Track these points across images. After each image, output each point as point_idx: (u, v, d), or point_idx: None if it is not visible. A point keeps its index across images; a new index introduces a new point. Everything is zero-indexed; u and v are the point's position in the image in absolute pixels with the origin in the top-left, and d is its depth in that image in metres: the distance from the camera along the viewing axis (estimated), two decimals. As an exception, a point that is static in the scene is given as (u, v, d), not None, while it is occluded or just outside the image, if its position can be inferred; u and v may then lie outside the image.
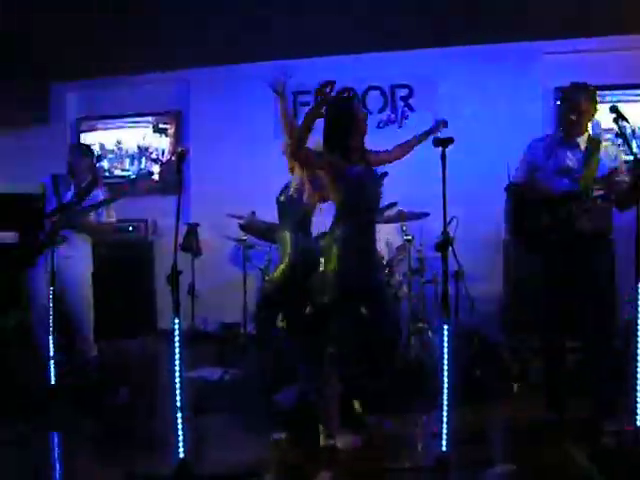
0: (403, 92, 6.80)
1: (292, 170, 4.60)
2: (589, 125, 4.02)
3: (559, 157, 3.98)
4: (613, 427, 3.65)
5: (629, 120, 3.50)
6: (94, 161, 5.35)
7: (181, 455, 3.09)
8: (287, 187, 4.64)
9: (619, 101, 5.71)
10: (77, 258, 4.97)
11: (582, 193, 3.82)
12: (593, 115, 4.00)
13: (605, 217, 3.92)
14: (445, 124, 4.10)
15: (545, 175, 4.00)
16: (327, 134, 3.79)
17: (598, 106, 3.99)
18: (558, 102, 4.09)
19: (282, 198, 4.65)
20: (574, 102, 3.94)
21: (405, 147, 4.05)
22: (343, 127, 3.76)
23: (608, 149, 3.98)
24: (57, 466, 3.68)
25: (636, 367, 3.25)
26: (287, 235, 4.49)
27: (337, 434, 3.64)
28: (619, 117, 3.48)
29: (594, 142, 3.97)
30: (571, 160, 3.96)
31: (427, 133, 4.05)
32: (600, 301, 3.91)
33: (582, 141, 3.98)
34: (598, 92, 4.01)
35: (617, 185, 3.79)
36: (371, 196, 3.83)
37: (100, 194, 5.08)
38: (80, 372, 4.97)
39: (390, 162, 4.00)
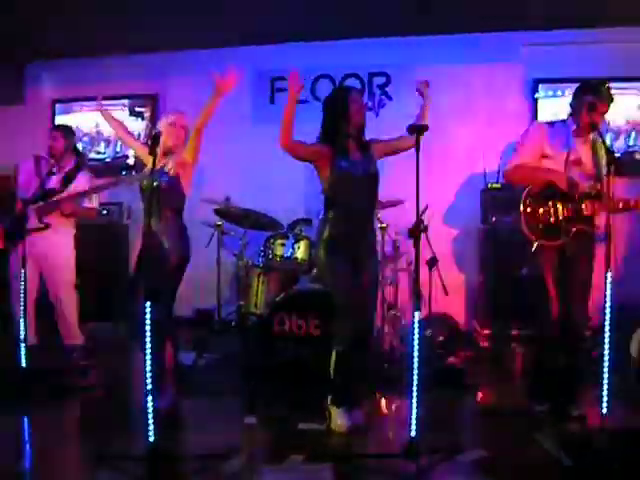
0: (380, 80, 6.80)
1: None
2: None
3: (574, 148, 3.94)
4: (579, 412, 3.75)
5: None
6: (76, 143, 5.32)
7: (151, 438, 3.09)
8: None
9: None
10: (61, 244, 4.98)
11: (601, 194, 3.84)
12: None
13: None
14: (427, 84, 4.09)
15: (557, 163, 3.94)
16: (322, 125, 3.84)
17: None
18: (576, 94, 3.98)
19: None
20: (601, 105, 3.89)
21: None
22: (336, 118, 3.79)
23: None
24: (28, 448, 3.67)
25: (602, 352, 3.32)
26: None
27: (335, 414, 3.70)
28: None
29: (597, 139, 3.94)
30: (584, 155, 3.95)
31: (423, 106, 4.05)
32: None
33: (589, 138, 3.98)
34: (574, 85, 4.06)
35: None
36: (360, 188, 3.77)
37: (83, 177, 5.08)
38: (58, 355, 4.99)
39: (405, 149, 3.86)
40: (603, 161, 3.88)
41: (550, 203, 3.88)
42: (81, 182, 5.03)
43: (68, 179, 4.99)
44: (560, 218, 3.87)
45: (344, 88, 4.15)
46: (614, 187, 3.57)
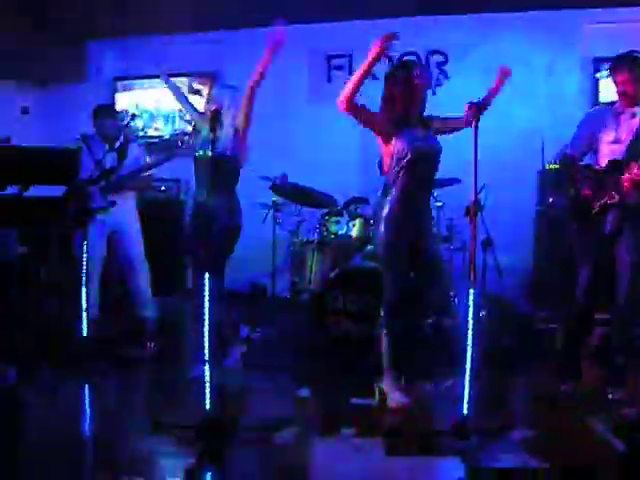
0: (439, 58, 6.73)
1: None
2: None
3: (614, 128, 3.97)
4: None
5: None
6: (120, 122, 5.46)
7: (207, 407, 3.18)
8: None
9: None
10: (131, 219, 5.22)
11: (624, 162, 3.81)
12: None
13: None
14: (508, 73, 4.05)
15: (601, 146, 4.01)
16: (383, 99, 3.79)
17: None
18: (607, 74, 4.05)
19: None
20: (616, 75, 3.95)
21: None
22: (398, 93, 3.74)
23: None
24: (87, 415, 3.81)
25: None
26: None
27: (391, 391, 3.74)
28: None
29: None
30: (625, 131, 3.93)
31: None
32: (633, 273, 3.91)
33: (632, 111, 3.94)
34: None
35: None
36: (424, 163, 3.73)
37: (137, 152, 5.25)
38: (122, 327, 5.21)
39: (460, 129, 3.83)
40: None
41: None
42: (134, 154, 5.23)
43: (122, 155, 5.15)
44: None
45: (408, 63, 4.10)
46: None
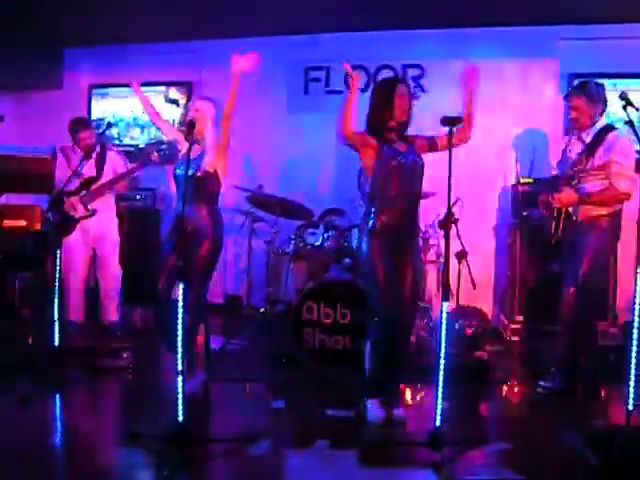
0: (415, 72, 6.77)
1: None
2: (591, 120, 4.17)
3: (569, 152, 4.29)
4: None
5: (638, 108, 3.52)
6: (96, 131, 5.57)
7: (180, 419, 3.16)
8: None
9: (636, 90, 5.73)
10: (111, 225, 5.48)
11: (560, 182, 4.15)
12: (594, 111, 4.16)
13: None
14: (475, 72, 4.11)
15: (560, 169, 4.37)
16: (367, 115, 3.81)
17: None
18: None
19: None
20: (569, 100, 4.26)
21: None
22: (380, 109, 3.76)
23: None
24: (59, 426, 3.77)
25: (630, 348, 3.28)
26: None
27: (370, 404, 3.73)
28: (628, 104, 3.49)
29: (601, 134, 4.09)
30: (574, 153, 4.23)
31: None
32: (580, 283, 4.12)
33: (587, 135, 4.17)
34: (614, 80, 4.14)
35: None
36: (407, 178, 3.72)
37: (114, 159, 5.47)
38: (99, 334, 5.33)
39: (444, 148, 3.74)
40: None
41: None
42: (113, 161, 5.43)
43: (100, 164, 5.25)
44: None
45: (392, 79, 4.10)
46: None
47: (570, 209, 4.13)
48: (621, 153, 4.02)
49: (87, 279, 5.48)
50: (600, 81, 4.30)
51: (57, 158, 5.44)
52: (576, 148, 4.21)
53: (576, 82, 4.45)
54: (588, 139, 4.15)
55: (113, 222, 5.49)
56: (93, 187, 5.24)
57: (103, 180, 5.29)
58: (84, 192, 5.20)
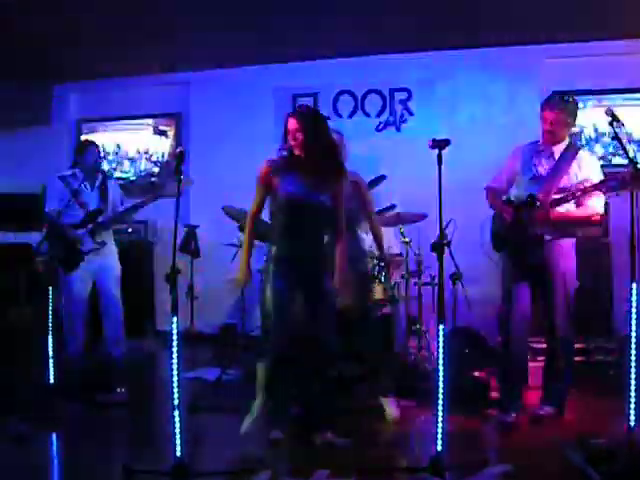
0: (402, 95, 6.82)
1: None
2: (566, 134, 4.16)
3: (534, 165, 4.16)
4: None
5: (624, 123, 3.55)
6: (100, 157, 5.61)
7: (178, 453, 3.12)
8: None
9: (621, 105, 5.79)
10: (115, 257, 5.34)
11: (535, 200, 3.99)
12: (570, 125, 4.15)
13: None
14: None
15: (521, 182, 4.20)
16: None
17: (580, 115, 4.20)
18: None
19: None
20: (546, 113, 4.11)
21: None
22: (283, 140, 3.80)
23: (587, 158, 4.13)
24: (56, 463, 3.71)
25: (629, 366, 3.28)
26: None
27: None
28: (614, 120, 3.51)
29: (571, 150, 4.09)
30: (543, 169, 4.11)
31: None
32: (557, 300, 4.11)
33: (558, 150, 4.11)
34: (599, 96, 4.12)
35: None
36: (302, 213, 3.76)
37: (114, 191, 5.37)
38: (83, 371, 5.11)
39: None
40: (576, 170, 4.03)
41: None
42: (113, 191, 5.34)
43: (104, 194, 5.20)
44: None
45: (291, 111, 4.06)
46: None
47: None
48: (593, 172, 4.03)
49: (87, 311, 5.30)
50: (584, 97, 4.29)
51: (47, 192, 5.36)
52: (545, 162, 4.13)
53: (551, 94, 4.34)
54: (557, 154, 4.10)
55: (116, 252, 5.36)
56: (101, 219, 5.13)
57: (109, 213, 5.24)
58: (91, 226, 5.08)
